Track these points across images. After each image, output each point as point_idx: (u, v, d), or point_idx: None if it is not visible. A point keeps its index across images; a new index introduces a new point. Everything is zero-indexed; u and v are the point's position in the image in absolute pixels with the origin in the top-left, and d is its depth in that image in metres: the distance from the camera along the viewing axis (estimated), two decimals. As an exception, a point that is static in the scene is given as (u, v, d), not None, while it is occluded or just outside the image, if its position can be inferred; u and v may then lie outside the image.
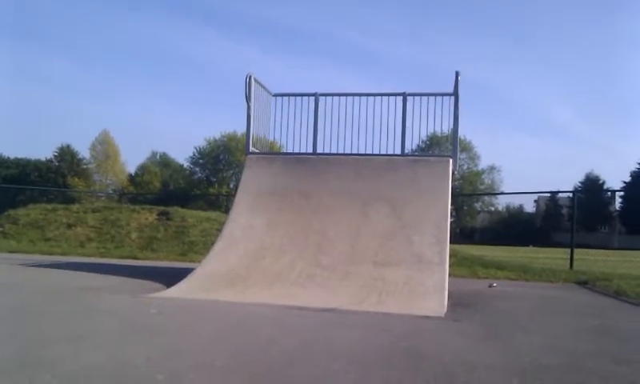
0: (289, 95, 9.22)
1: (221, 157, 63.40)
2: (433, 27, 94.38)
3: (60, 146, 59.20)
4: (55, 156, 58.97)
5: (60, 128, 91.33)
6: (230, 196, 24.63)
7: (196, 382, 2.81)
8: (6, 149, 66.74)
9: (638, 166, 60.66)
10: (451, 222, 7.49)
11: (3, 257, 11.43)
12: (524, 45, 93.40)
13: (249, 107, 8.63)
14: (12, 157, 59.81)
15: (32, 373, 2.87)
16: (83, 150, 60.69)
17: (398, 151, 8.68)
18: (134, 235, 15.38)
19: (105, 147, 59.77)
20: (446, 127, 8.66)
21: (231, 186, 58.75)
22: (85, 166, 59.55)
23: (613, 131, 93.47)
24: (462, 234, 50.69)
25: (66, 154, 58.54)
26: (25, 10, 76.05)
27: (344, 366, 3.20)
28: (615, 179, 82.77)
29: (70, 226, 16.03)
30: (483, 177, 66.05)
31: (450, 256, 6.87)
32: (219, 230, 8.41)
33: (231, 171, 63.01)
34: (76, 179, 54.14)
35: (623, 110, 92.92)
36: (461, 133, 8.68)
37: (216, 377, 2.92)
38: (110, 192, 49.57)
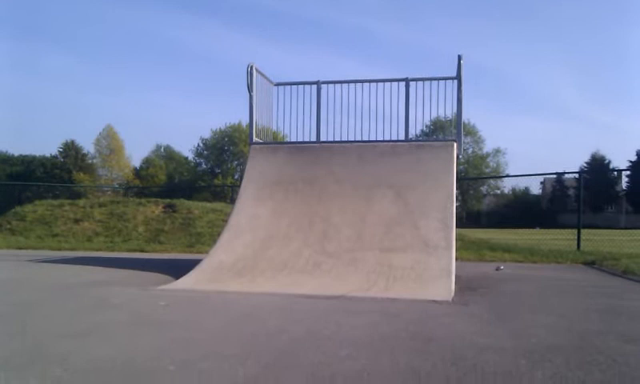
0: (291, 84, 9.20)
1: (225, 148, 63.42)
2: (434, 10, 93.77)
3: (65, 141, 59.46)
4: (60, 152, 59.19)
5: (64, 124, 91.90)
6: (235, 186, 24.66)
7: (207, 372, 2.83)
8: (10, 146, 67.14)
9: (644, 145, 60.31)
10: (457, 207, 7.48)
11: (12, 253, 11.52)
12: (526, 24, 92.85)
13: (251, 97, 8.62)
14: (17, 154, 60.16)
15: (43, 367, 2.90)
16: (88, 145, 61.02)
17: (402, 137, 8.66)
18: (140, 228, 15.45)
19: (109, 141, 59.88)
20: (449, 111, 8.64)
21: (236, 176, 58.81)
22: (90, 161, 59.72)
23: (617, 110, 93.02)
24: (468, 218, 50.54)
25: (71, 150, 58.71)
26: (24, 4, 76.09)
27: (353, 352, 3.21)
28: (621, 158, 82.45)
29: (77, 221, 16.12)
30: (488, 160, 65.88)
31: (456, 240, 6.87)
32: (225, 221, 8.43)
33: (236, 162, 63.06)
34: (81, 174, 54.36)
35: (627, 88, 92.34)
36: (465, 116, 8.63)
37: (226, 366, 2.94)
38: (116, 186, 49.69)
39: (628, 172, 64.04)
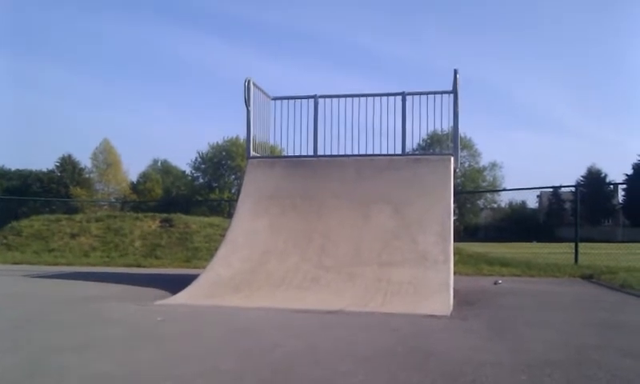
0: (288, 98, 9.21)
1: (223, 162, 63.45)
2: (430, 25, 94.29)
3: (61, 155, 59.34)
4: (57, 166, 59.02)
5: (61, 138, 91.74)
6: (233, 201, 24.64)
7: (204, 388, 2.81)
8: (7, 160, 67.08)
9: (639, 158, 60.49)
10: (454, 220, 7.49)
11: (8, 268, 11.45)
12: (522, 40, 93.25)
13: (248, 111, 8.64)
14: (13, 168, 60.03)
15: (40, 382, 2.88)
16: (84, 160, 60.78)
17: (399, 151, 8.66)
18: (137, 243, 15.38)
19: (106, 156, 59.82)
20: (446, 125, 8.65)
21: (233, 190, 58.74)
22: (87, 176, 59.60)
23: (613, 124, 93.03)
24: (465, 231, 50.53)
25: (68, 164, 58.57)
26: (20, 19, 76.23)
27: (351, 367, 3.19)
28: (617, 172, 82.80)
29: (73, 236, 16.04)
30: (485, 174, 66.01)
31: (454, 254, 6.86)
32: (222, 236, 8.40)
33: (233, 176, 63.06)
34: (78, 189, 54.16)
35: (623, 103, 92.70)
36: (461, 130, 8.65)
37: (223, 382, 2.92)
38: (113, 200, 49.55)
39: (624, 186, 64.17)
